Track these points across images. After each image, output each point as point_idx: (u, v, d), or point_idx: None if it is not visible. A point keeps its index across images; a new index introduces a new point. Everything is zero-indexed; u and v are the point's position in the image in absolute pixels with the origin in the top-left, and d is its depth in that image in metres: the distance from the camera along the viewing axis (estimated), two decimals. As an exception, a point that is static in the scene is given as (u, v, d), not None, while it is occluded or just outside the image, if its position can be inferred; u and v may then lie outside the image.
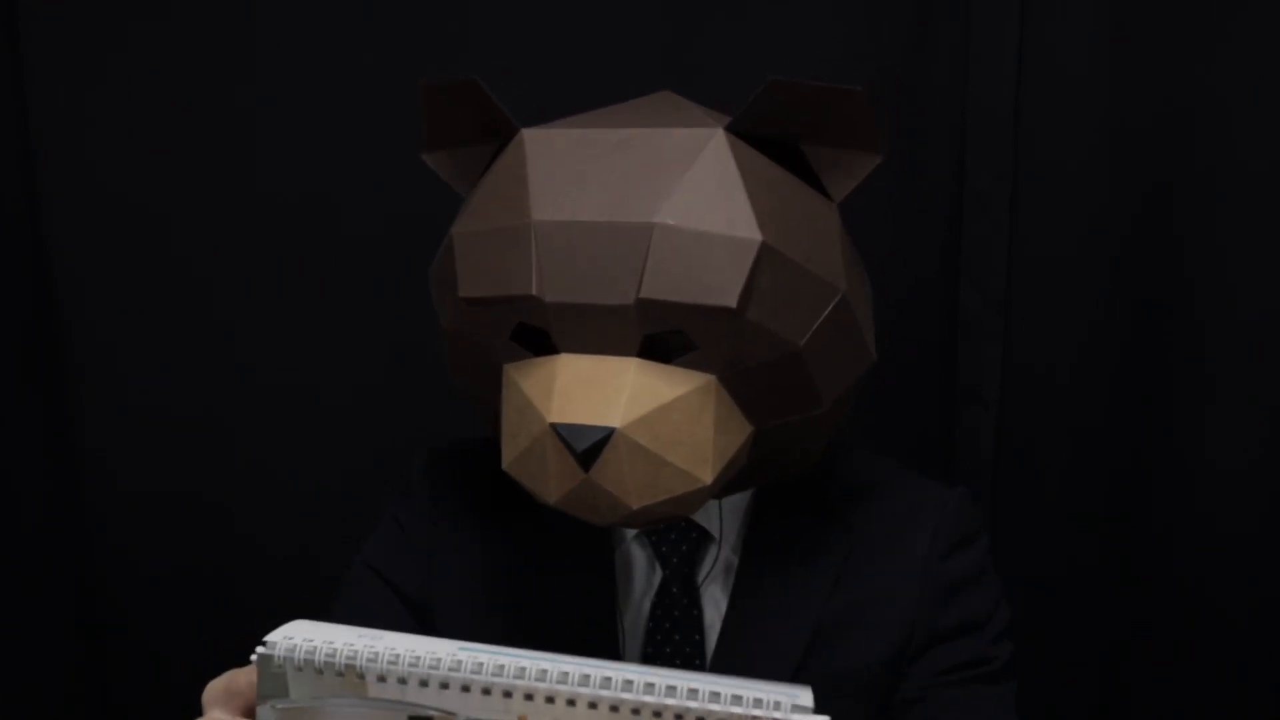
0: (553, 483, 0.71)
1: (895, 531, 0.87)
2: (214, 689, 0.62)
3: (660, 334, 0.72)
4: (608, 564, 0.84)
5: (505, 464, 0.74)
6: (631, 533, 0.85)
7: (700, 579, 0.85)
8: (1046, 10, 1.14)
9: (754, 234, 0.71)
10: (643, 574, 0.85)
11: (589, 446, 0.69)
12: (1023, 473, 1.22)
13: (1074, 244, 1.18)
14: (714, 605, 0.85)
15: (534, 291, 0.71)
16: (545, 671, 0.54)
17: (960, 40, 1.15)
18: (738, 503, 0.86)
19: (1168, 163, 1.16)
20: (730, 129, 0.75)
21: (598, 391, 0.71)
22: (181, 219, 1.21)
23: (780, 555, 0.84)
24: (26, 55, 1.17)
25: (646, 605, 0.84)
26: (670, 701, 0.53)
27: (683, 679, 0.54)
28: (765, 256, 0.72)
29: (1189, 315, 1.17)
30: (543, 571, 0.84)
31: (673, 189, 0.72)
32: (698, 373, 0.73)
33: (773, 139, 0.76)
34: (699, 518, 0.84)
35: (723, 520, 0.85)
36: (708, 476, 0.72)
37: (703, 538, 0.85)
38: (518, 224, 0.73)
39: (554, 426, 0.70)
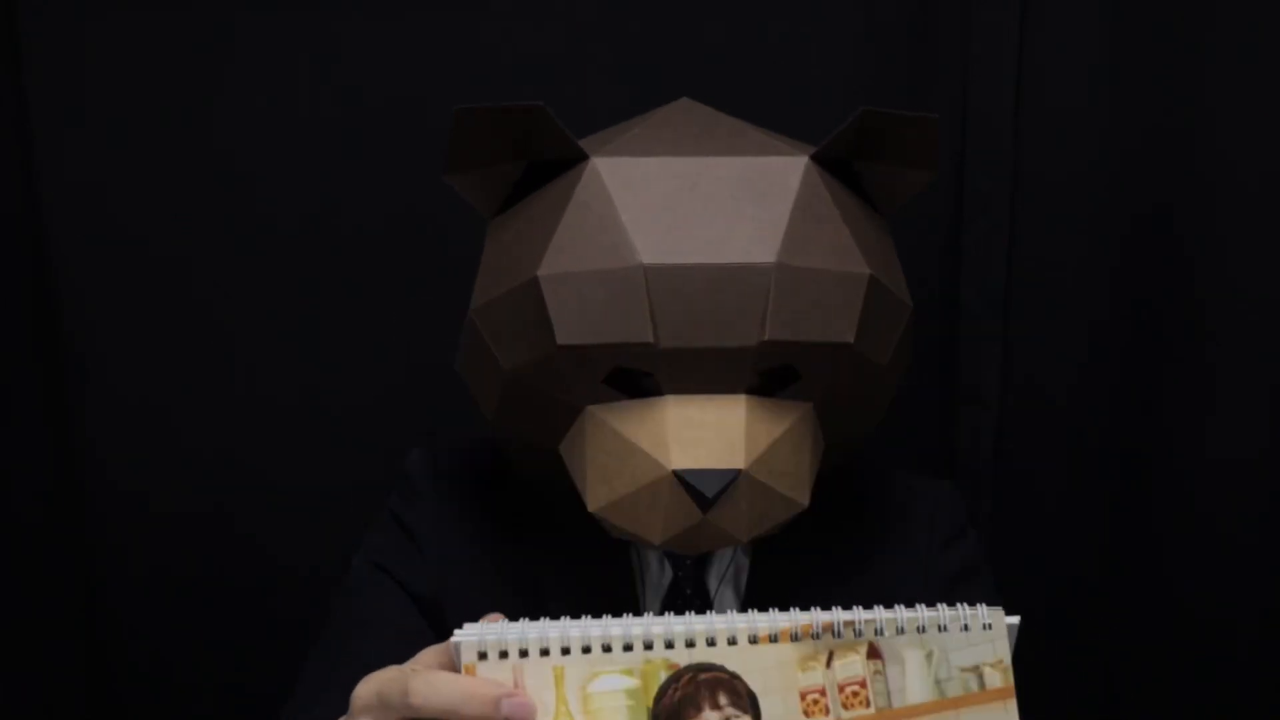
0: (661, 524, 0.71)
1: (894, 526, 0.89)
2: (364, 694, 0.57)
3: (769, 369, 0.72)
4: (625, 563, 0.85)
5: (593, 507, 0.73)
6: None
7: (715, 581, 0.85)
8: (1047, 11, 1.15)
9: (863, 268, 0.73)
10: (654, 574, 0.85)
11: (718, 491, 0.69)
12: (1023, 473, 1.23)
13: (1074, 244, 1.19)
14: (725, 606, 0.85)
15: (650, 339, 0.69)
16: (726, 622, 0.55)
17: (960, 41, 1.16)
18: None
19: (1167, 162, 1.16)
20: (815, 158, 0.75)
21: (715, 434, 0.70)
22: (182, 226, 1.21)
23: (789, 555, 0.84)
24: (26, 55, 1.17)
25: (656, 606, 0.84)
26: (868, 616, 0.55)
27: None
28: (871, 288, 0.73)
29: (1189, 315, 1.17)
30: (561, 571, 0.84)
31: (780, 225, 0.71)
32: (799, 402, 0.73)
33: (837, 160, 0.77)
34: None
35: None
36: (806, 499, 0.74)
37: None
38: (621, 267, 0.70)
39: (677, 473, 0.69)
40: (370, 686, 0.56)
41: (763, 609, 0.83)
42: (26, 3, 1.16)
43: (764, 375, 0.73)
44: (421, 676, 0.55)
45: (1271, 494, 1.18)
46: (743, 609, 0.84)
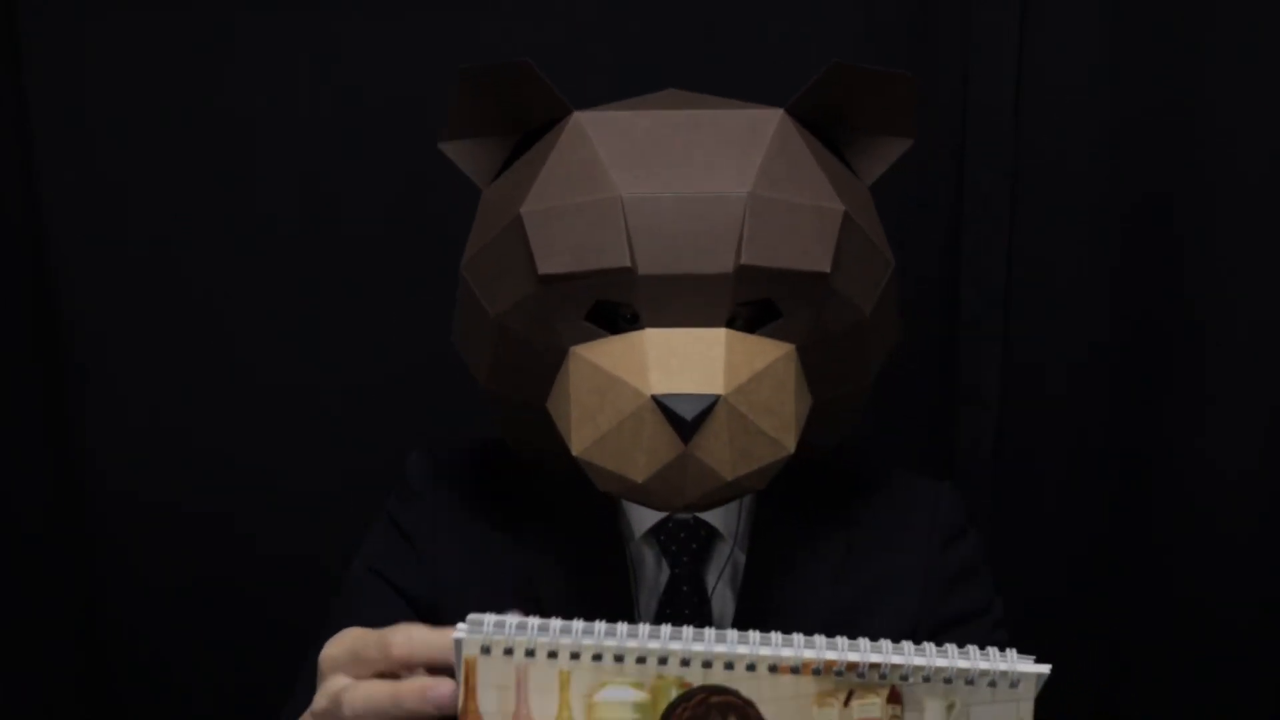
0: (644, 459, 0.71)
1: (893, 524, 0.88)
2: (335, 654, 0.57)
3: (748, 304, 0.73)
4: (621, 563, 0.84)
5: (578, 450, 0.73)
6: (641, 531, 0.85)
7: (713, 578, 0.85)
8: (1047, 11, 1.15)
9: (837, 204, 0.74)
10: (650, 573, 0.85)
11: (696, 415, 0.69)
12: (1023, 473, 1.23)
13: (1074, 243, 1.19)
14: (721, 603, 0.85)
15: (628, 264, 0.71)
16: (748, 639, 0.52)
17: (960, 41, 1.16)
18: (743, 500, 0.86)
19: (1168, 161, 1.16)
20: (790, 110, 0.77)
21: (695, 361, 0.71)
22: (182, 226, 1.21)
23: (786, 551, 0.84)
24: (26, 55, 1.17)
25: (654, 605, 0.84)
26: (897, 659, 0.53)
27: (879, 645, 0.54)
28: (846, 225, 0.74)
29: (1189, 314, 1.17)
30: (557, 573, 0.84)
31: (755, 163, 0.73)
32: (781, 342, 0.74)
33: (816, 121, 0.78)
34: (710, 516, 0.85)
35: (739, 518, 0.86)
36: (791, 444, 0.74)
37: (712, 536, 0.85)
38: (601, 198, 0.72)
39: (656, 398, 0.70)
40: (340, 647, 0.57)
41: (760, 608, 0.84)
42: (26, 3, 1.16)
43: (744, 311, 0.73)
44: (402, 630, 0.55)
45: (1271, 493, 1.18)
46: (739, 607, 0.84)
